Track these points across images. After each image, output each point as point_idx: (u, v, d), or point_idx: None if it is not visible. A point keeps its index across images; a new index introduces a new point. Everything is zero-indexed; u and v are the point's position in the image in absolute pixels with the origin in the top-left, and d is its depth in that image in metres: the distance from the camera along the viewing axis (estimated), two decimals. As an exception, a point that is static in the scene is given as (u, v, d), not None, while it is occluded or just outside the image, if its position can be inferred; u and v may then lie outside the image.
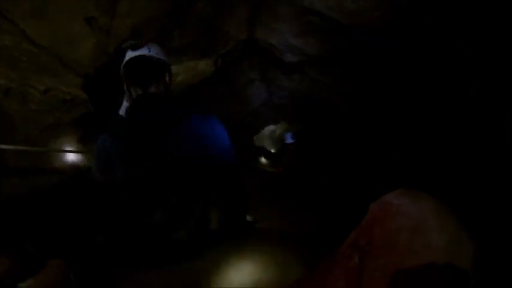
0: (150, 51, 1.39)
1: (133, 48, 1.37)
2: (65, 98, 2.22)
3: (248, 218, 1.55)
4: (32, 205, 2.07)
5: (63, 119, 2.25)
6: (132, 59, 1.36)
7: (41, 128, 2.07)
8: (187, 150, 1.23)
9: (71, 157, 2.42)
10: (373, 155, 3.20)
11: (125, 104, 1.53)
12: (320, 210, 3.21)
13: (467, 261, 0.68)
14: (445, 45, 2.31)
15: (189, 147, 1.23)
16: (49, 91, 2.08)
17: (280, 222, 2.77)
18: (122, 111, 1.51)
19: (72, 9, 1.90)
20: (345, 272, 0.94)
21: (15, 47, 1.79)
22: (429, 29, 2.35)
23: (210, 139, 1.28)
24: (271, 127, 7.81)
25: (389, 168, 2.89)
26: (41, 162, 2.19)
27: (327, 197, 3.54)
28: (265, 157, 7.60)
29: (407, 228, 0.80)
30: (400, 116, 2.97)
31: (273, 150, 8.59)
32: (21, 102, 1.92)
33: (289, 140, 6.67)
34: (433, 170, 2.44)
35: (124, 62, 1.38)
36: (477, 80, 2.20)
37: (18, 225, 1.93)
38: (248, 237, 1.52)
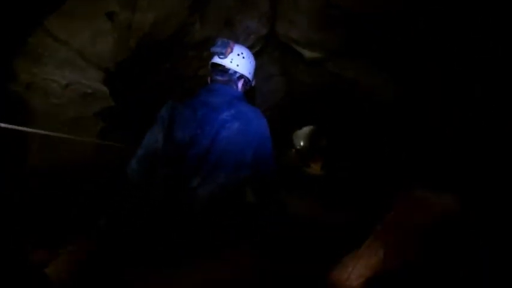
0: (231, 61, 1.67)
1: (219, 55, 1.67)
2: (86, 92, 2.24)
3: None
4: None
5: (84, 113, 2.28)
6: (215, 63, 1.69)
7: (62, 121, 2.10)
8: (221, 132, 1.46)
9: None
10: (388, 150, 3.16)
11: None
12: (342, 204, 3.18)
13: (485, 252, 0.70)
14: (450, 45, 2.25)
15: (221, 132, 1.46)
16: (70, 85, 2.10)
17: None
18: None
19: (93, 4, 1.91)
20: (369, 265, 0.93)
21: (38, 43, 1.82)
22: (434, 30, 2.30)
23: (235, 130, 1.48)
24: (306, 128, 8.74)
25: (402, 167, 2.85)
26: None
27: (348, 191, 3.51)
28: (297, 153, 8.39)
29: (431, 221, 0.80)
30: (410, 113, 2.93)
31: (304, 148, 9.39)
32: (42, 96, 1.95)
33: (323, 142, 7.16)
34: (440, 171, 2.40)
35: (210, 62, 1.72)
36: (482, 81, 2.14)
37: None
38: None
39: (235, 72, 1.69)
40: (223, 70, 1.67)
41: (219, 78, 1.67)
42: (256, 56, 3.56)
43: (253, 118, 1.55)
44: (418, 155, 2.89)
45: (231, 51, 1.69)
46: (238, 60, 1.69)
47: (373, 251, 0.94)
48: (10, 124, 1.57)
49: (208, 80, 1.74)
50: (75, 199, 2.15)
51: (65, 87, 2.06)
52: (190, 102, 1.56)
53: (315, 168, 6.96)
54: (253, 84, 1.82)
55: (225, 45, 1.68)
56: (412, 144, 3.03)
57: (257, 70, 2.64)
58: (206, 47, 3.11)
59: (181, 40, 2.80)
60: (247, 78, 1.75)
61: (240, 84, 1.72)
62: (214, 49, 1.68)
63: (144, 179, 1.47)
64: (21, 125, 1.69)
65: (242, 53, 1.73)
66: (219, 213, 1.42)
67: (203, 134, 1.45)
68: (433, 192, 0.94)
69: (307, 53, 3.44)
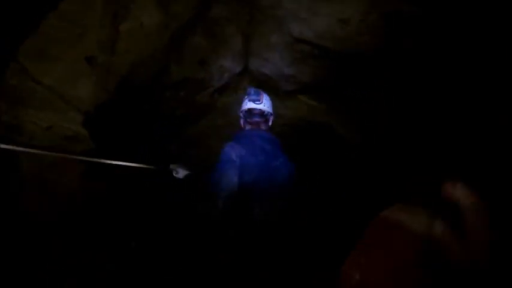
0: (264, 105, 2.16)
1: (253, 101, 2.16)
2: (67, 135, 2.26)
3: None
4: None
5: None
6: (252, 109, 2.15)
7: (44, 164, 2.10)
8: (276, 175, 1.90)
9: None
10: (371, 174, 3.24)
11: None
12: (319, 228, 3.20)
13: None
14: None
15: (276, 175, 1.90)
16: (51, 128, 2.12)
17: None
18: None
19: (72, 47, 1.98)
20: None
21: (20, 86, 1.85)
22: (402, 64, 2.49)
23: (286, 175, 1.95)
24: None
25: (387, 185, 2.93)
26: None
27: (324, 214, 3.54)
28: None
29: (407, 244, 0.81)
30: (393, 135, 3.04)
31: None
32: (25, 139, 1.96)
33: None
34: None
35: (246, 108, 2.18)
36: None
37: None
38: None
39: (268, 112, 2.18)
40: (260, 113, 2.16)
41: (257, 119, 2.15)
42: (232, 93, 3.69)
43: (292, 166, 2.02)
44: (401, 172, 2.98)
45: (263, 97, 2.19)
46: (267, 102, 2.20)
47: (350, 274, 0.96)
48: None
49: (242, 123, 2.25)
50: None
51: (46, 130, 2.07)
52: (248, 147, 1.95)
53: None
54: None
55: (258, 93, 2.21)
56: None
57: (234, 107, 2.99)
58: (183, 87, 3.21)
59: (158, 81, 2.89)
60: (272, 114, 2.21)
61: (270, 120, 2.22)
62: (251, 97, 2.18)
63: (225, 212, 1.84)
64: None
65: (266, 96, 2.24)
66: (271, 231, 1.85)
67: (263, 177, 1.86)
68: (409, 212, 0.96)
69: (281, 87, 3.57)
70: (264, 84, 3.62)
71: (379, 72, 2.77)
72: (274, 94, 3.69)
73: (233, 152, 1.89)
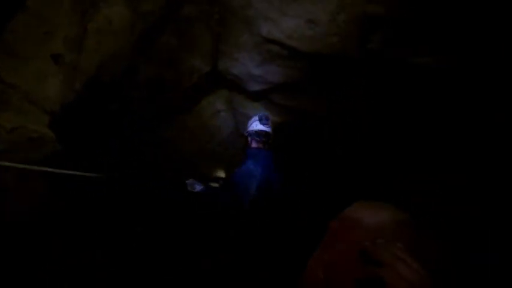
0: (269, 128, 2.63)
1: (264, 124, 2.61)
2: (32, 136, 2.17)
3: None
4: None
5: (32, 158, 2.19)
6: (261, 130, 2.59)
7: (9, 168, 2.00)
8: (271, 185, 2.45)
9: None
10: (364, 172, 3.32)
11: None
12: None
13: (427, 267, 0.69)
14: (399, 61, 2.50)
15: (271, 185, 2.45)
16: (16, 129, 2.03)
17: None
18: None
19: (38, 45, 1.91)
20: (311, 286, 0.93)
21: (-18, 85, 1.76)
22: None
23: (278, 184, 2.53)
24: None
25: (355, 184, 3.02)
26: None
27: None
28: None
29: (368, 240, 0.81)
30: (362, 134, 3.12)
31: None
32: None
33: None
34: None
35: (258, 129, 2.60)
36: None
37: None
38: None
39: (271, 134, 2.64)
40: (267, 134, 2.61)
41: (264, 139, 2.60)
42: (202, 93, 3.68)
43: (281, 176, 2.57)
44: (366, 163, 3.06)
45: (270, 121, 2.65)
46: (271, 125, 2.66)
47: (314, 271, 0.95)
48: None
49: (250, 140, 2.65)
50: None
51: (10, 132, 1.98)
52: (260, 164, 2.45)
53: None
54: None
55: (268, 118, 2.67)
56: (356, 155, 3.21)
57: (204, 107, 3.17)
58: (152, 86, 3.17)
59: (127, 80, 2.83)
60: None
61: (270, 139, 2.65)
62: (263, 122, 2.62)
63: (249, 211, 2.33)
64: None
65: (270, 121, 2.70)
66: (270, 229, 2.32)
67: (265, 187, 2.38)
68: (368, 209, 0.95)
69: (250, 87, 3.59)
70: (234, 85, 3.64)
71: (356, 70, 2.84)
72: (245, 94, 3.72)
73: (254, 168, 2.41)
